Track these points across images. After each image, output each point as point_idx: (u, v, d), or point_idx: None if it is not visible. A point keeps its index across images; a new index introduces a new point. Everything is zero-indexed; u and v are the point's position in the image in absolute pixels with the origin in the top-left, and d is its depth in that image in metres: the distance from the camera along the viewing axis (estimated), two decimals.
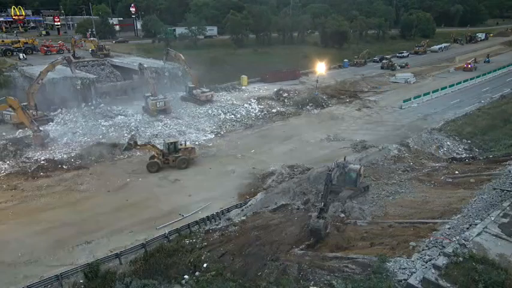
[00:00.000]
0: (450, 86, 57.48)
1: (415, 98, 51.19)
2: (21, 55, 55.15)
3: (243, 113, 45.26)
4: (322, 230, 20.23)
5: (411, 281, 13.94)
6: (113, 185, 28.02)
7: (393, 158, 33.00)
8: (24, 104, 36.05)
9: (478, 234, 15.87)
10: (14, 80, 45.45)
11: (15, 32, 75.14)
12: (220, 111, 44.84)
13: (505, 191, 21.70)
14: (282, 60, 67.94)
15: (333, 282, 15.23)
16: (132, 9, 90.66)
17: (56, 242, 21.17)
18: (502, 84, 60.72)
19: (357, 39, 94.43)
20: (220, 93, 52.70)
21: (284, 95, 51.62)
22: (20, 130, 35.36)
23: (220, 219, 24.08)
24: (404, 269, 14.90)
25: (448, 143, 36.32)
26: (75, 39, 59.10)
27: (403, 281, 14.25)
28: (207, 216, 23.68)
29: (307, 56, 66.62)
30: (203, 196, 26.35)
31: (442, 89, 56.03)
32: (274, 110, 46.99)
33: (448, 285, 13.18)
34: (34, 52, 59.98)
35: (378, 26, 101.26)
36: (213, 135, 38.68)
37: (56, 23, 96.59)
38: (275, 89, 53.56)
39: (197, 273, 18.47)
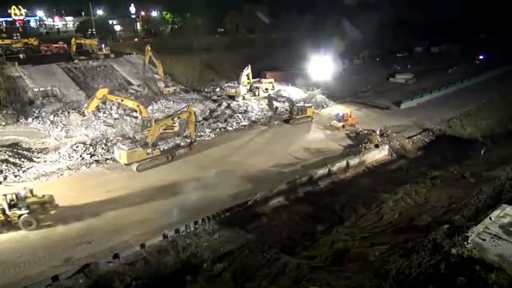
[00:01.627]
0: (450, 86, 57.56)
1: (414, 97, 51.23)
2: (21, 55, 55.09)
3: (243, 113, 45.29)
4: None
5: (410, 281, 13.93)
6: None
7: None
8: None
9: (478, 234, 15.86)
10: (13, 80, 45.43)
11: (15, 32, 75.11)
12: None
13: (504, 191, 21.73)
14: (282, 61, 67.95)
15: (332, 282, 15.23)
16: (132, 9, 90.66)
17: None
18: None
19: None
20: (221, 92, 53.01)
21: (284, 95, 51.60)
22: None
23: (220, 220, 24.12)
24: (403, 269, 14.88)
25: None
26: (75, 39, 59.00)
27: (402, 281, 14.24)
28: (208, 217, 23.67)
29: (307, 56, 66.49)
30: (206, 195, 26.46)
31: (441, 88, 56.08)
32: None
33: (448, 285, 13.18)
34: (34, 52, 59.87)
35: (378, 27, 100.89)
36: (214, 135, 38.65)
37: (55, 23, 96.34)
38: (275, 89, 53.66)
39: (198, 273, 18.48)
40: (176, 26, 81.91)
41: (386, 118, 44.77)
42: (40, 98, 42.84)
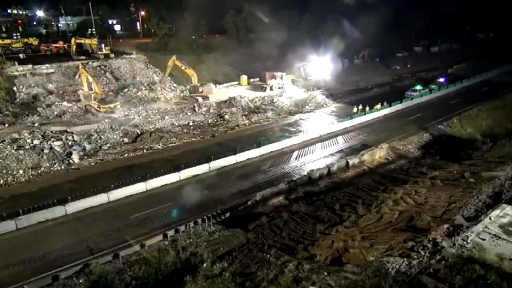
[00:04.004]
0: (449, 86, 57.62)
1: (414, 97, 51.36)
2: (21, 55, 55.11)
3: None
4: None
5: (410, 281, 13.94)
6: None
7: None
8: None
9: (478, 234, 15.88)
10: (13, 79, 45.46)
11: (14, 31, 75.05)
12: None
13: (504, 191, 21.74)
14: (282, 61, 67.97)
15: (331, 282, 15.22)
16: (132, 9, 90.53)
17: None
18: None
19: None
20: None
21: (283, 95, 51.64)
22: None
23: (220, 219, 24.15)
24: (403, 269, 14.89)
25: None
26: (74, 39, 58.98)
27: (402, 281, 14.24)
28: (207, 217, 23.70)
29: (307, 56, 66.55)
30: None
31: (441, 89, 56.11)
32: (271, 113, 47.04)
33: (447, 285, 13.18)
34: (34, 52, 59.86)
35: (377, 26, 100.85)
36: None
37: (55, 23, 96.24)
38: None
39: (197, 272, 18.49)
40: (175, 26, 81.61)
41: (388, 118, 44.93)
42: (41, 98, 42.95)
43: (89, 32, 76.29)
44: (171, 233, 22.02)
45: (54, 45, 62.26)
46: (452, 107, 48.00)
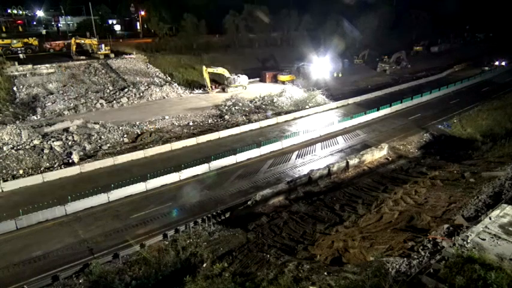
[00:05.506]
0: (450, 86, 57.66)
1: (414, 97, 51.39)
2: (21, 55, 55.19)
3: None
4: None
5: (410, 281, 13.93)
6: None
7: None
8: None
9: (478, 234, 15.86)
10: (13, 78, 45.49)
11: (14, 31, 75.03)
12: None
13: (504, 191, 21.74)
14: (283, 61, 68.04)
15: (332, 282, 15.21)
16: (132, 9, 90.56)
17: None
18: None
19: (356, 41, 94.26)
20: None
21: (283, 95, 51.61)
22: None
23: (220, 219, 24.15)
24: (403, 269, 14.88)
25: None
26: (74, 39, 59.03)
27: (402, 281, 14.24)
28: (207, 217, 23.71)
29: (307, 56, 66.59)
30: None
31: (441, 88, 56.12)
32: (271, 112, 47.03)
33: (447, 285, 13.17)
34: (34, 52, 59.94)
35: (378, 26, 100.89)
36: None
37: (55, 23, 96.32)
38: (274, 89, 53.63)
39: (197, 272, 18.48)
40: (175, 26, 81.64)
41: (388, 119, 44.91)
42: (41, 98, 42.93)
43: (89, 32, 76.33)
44: (171, 233, 22.03)
45: (57, 42, 62.40)
46: (452, 107, 48.04)
